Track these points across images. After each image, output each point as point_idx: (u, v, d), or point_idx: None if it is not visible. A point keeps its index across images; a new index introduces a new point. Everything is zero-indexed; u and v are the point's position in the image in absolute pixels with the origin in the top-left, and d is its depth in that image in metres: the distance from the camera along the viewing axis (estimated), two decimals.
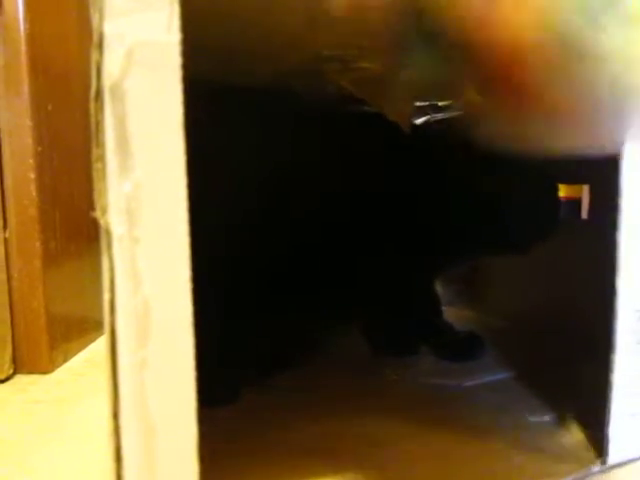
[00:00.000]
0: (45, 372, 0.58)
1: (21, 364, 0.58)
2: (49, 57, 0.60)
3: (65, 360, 0.62)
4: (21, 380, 0.57)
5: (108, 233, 0.24)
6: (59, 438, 0.44)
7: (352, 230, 0.49)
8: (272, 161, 0.45)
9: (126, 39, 0.23)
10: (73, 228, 0.65)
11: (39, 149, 0.57)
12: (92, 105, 0.24)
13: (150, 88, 0.24)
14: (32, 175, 0.56)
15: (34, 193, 0.56)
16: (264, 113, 0.46)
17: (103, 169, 0.24)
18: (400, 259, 0.51)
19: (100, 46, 0.23)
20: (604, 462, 0.37)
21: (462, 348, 0.56)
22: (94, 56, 0.23)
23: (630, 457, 0.38)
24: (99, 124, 0.24)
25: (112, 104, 0.24)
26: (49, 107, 0.59)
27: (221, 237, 0.42)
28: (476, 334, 0.58)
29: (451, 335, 0.57)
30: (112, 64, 0.23)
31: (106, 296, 0.24)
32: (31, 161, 0.56)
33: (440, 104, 0.72)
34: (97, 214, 0.24)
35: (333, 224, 0.48)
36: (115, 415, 0.25)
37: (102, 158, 0.24)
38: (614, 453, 0.37)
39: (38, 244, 0.57)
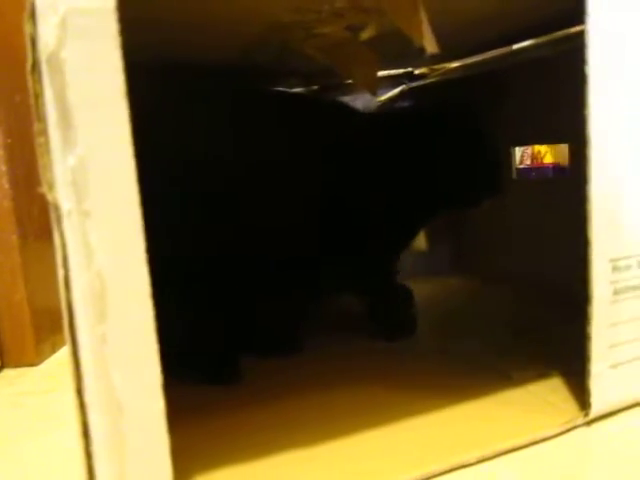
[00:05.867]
0: (32, 364, 0.58)
1: (8, 358, 0.58)
2: (13, 48, 0.59)
3: (53, 351, 0.62)
4: (8, 374, 0.57)
5: (57, 208, 0.23)
6: (47, 428, 0.44)
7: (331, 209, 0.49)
8: (235, 139, 0.44)
9: (59, 8, 0.23)
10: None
11: (9, 141, 0.56)
12: (29, 78, 0.23)
13: (88, 57, 0.23)
14: (3, 167, 0.56)
15: (7, 186, 0.56)
16: (225, 92, 0.45)
17: (46, 143, 0.23)
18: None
19: (33, 17, 0.23)
20: (587, 414, 0.37)
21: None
22: (27, 28, 0.23)
23: (612, 408, 0.38)
24: (38, 97, 0.23)
25: (50, 76, 0.23)
26: (16, 98, 0.58)
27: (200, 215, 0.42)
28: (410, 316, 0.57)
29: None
30: (47, 34, 0.23)
31: (60, 272, 0.24)
32: (1, 153, 0.56)
33: (416, 72, 0.72)
34: (44, 189, 0.24)
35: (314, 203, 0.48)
36: (79, 391, 0.24)
37: (44, 132, 0.23)
38: (597, 405, 0.37)
39: (15, 237, 0.56)
